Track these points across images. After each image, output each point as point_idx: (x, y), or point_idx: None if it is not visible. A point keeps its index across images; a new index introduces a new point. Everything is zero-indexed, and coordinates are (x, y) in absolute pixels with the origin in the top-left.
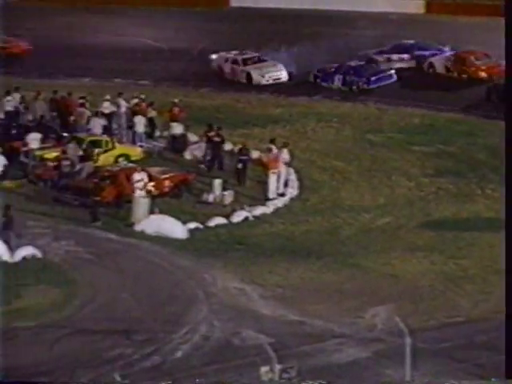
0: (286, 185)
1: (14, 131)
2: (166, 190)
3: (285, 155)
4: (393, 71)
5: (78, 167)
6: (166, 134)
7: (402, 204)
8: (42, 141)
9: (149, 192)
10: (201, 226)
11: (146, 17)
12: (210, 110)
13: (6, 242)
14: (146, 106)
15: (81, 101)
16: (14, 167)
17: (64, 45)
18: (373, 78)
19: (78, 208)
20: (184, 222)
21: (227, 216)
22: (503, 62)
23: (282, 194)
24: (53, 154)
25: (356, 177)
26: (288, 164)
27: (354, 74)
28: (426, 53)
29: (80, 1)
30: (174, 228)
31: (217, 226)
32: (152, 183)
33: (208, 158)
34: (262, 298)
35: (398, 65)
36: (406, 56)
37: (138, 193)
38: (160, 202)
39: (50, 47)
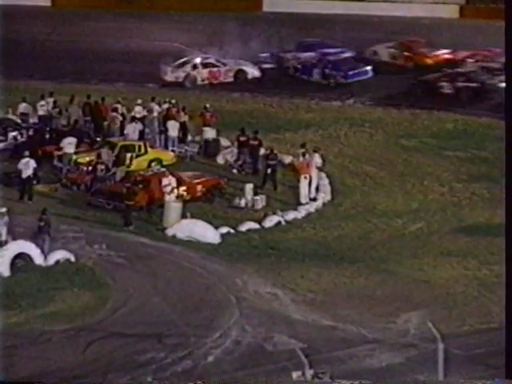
0: (317, 190)
1: (47, 136)
2: (199, 194)
3: (316, 160)
4: (369, 67)
5: (111, 172)
6: (198, 138)
7: (434, 209)
8: (76, 145)
9: (181, 196)
10: (232, 231)
11: (178, 21)
12: (241, 115)
13: (40, 246)
14: (178, 110)
15: (116, 105)
16: (48, 171)
17: (97, 49)
18: (350, 73)
19: (111, 212)
20: (216, 227)
21: (259, 221)
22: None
23: (314, 199)
24: (86, 158)
25: (388, 182)
26: (320, 169)
27: (333, 67)
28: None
29: (113, 6)
30: (206, 232)
31: (249, 231)
32: (184, 188)
33: (240, 162)
34: (294, 303)
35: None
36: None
37: (170, 197)
38: (192, 207)
39: (84, 52)
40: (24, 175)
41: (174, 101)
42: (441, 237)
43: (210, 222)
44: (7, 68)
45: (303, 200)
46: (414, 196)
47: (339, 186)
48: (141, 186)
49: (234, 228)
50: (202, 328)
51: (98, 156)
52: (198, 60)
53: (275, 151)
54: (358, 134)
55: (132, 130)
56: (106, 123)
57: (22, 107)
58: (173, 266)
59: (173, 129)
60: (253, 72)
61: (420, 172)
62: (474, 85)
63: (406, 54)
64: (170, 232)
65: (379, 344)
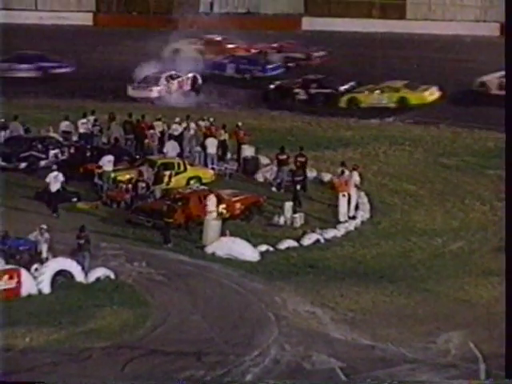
0: (357, 208)
1: (88, 153)
2: (237, 212)
3: (355, 178)
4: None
5: (150, 189)
6: (236, 156)
7: (475, 228)
8: (116, 163)
9: (220, 214)
10: (271, 249)
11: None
12: (281, 133)
13: (81, 263)
14: (216, 128)
15: (155, 123)
16: (89, 189)
17: (136, 68)
18: (268, 67)
19: (151, 230)
20: (255, 245)
21: (298, 239)
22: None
23: (353, 217)
24: (126, 176)
25: (428, 200)
26: (358, 187)
27: (248, 63)
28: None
29: (154, 25)
30: (245, 250)
31: (287, 249)
32: (223, 205)
33: (278, 180)
34: (333, 322)
35: None
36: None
37: (210, 215)
38: (231, 225)
39: (123, 70)
40: (53, 189)
41: (212, 119)
42: (482, 256)
43: (248, 240)
44: (49, 86)
45: (342, 218)
46: (454, 215)
47: (378, 204)
48: (180, 203)
49: (272, 246)
50: (240, 346)
51: (139, 174)
52: (164, 74)
53: (302, 167)
54: (397, 153)
55: (171, 148)
56: (145, 141)
57: (64, 125)
58: (212, 284)
59: (211, 146)
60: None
61: (460, 191)
62: (325, 91)
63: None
64: (209, 250)
65: (419, 364)
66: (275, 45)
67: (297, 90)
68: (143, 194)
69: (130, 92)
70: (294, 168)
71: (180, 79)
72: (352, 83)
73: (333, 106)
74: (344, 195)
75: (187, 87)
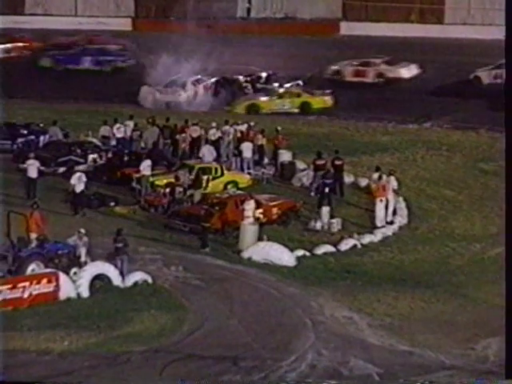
0: (394, 213)
1: (126, 158)
2: (274, 217)
3: (393, 183)
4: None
5: (188, 194)
6: (273, 161)
7: None
8: (153, 168)
9: (257, 219)
10: (308, 254)
11: (256, 45)
12: (318, 138)
13: (118, 267)
14: (255, 133)
15: (193, 127)
16: (127, 194)
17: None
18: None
19: (188, 234)
20: (292, 250)
21: (335, 244)
22: None
23: (391, 222)
24: (163, 180)
25: (467, 206)
26: (396, 192)
27: (105, 54)
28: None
29: (191, 30)
30: (282, 255)
31: (324, 254)
32: (260, 210)
33: (315, 185)
34: (371, 327)
35: None
36: None
37: (247, 220)
38: (268, 230)
39: None
40: (77, 189)
41: (252, 123)
42: None
43: (285, 245)
44: (87, 92)
45: (379, 223)
46: (492, 220)
47: (416, 209)
48: (217, 208)
49: (309, 251)
50: (277, 351)
51: (176, 178)
52: (191, 78)
53: (332, 171)
54: (435, 158)
55: (207, 153)
56: (182, 146)
57: (103, 130)
58: (249, 289)
59: (247, 151)
60: None
61: (499, 196)
62: (269, 87)
63: None
64: (246, 255)
65: (458, 370)
66: None
67: (245, 84)
68: (180, 199)
69: (158, 96)
70: (329, 172)
71: (205, 83)
72: (299, 81)
73: (231, 112)
74: (381, 200)
75: (211, 91)
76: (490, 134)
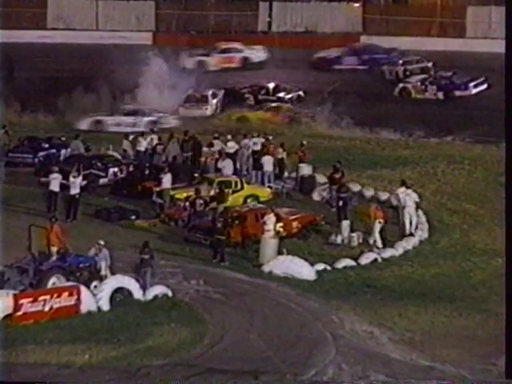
0: (415, 227)
1: (146, 172)
2: (295, 230)
3: (413, 196)
4: None
5: (208, 207)
6: (294, 174)
7: None
8: (174, 181)
9: (277, 233)
10: (329, 268)
11: (276, 59)
12: (339, 151)
13: (142, 278)
14: (275, 147)
15: (213, 141)
16: (147, 207)
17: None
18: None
19: (208, 248)
20: (312, 264)
21: (355, 258)
22: None
23: (411, 234)
24: (183, 194)
25: (488, 220)
26: (417, 205)
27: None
28: None
29: (211, 43)
30: (302, 269)
31: (345, 268)
32: (281, 224)
33: (328, 198)
34: (391, 342)
35: None
36: None
37: (267, 234)
38: (288, 243)
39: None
40: (72, 192)
41: (270, 137)
42: None
43: (306, 259)
44: (110, 105)
45: (408, 231)
46: None
47: (437, 223)
48: (237, 221)
49: (330, 265)
50: (298, 365)
51: (197, 192)
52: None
53: (346, 184)
54: (456, 172)
55: (227, 166)
56: (202, 159)
57: (125, 144)
58: (269, 303)
59: (267, 164)
60: None
61: None
62: (271, 98)
63: None
64: (266, 268)
65: None
66: None
67: (247, 95)
68: (200, 212)
69: (182, 112)
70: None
71: (219, 97)
72: (299, 92)
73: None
74: (380, 222)
75: (221, 104)
76: None
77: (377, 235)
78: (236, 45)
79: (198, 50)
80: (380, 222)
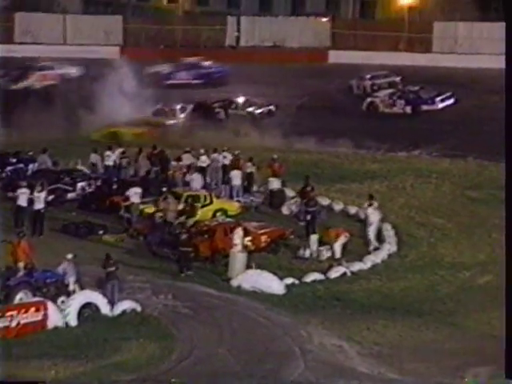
0: (383, 241)
1: (115, 186)
2: (264, 245)
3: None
4: None
5: (176, 222)
6: (262, 188)
7: (503, 262)
8: (142, 196)
9: (246, 247)
10: (297, 282)
11: (246, 73)
12: (307, 166)
13: (110, 292)
14: (244, 161)
15: (185, 155)
16: (115, 222)
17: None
18: None
19: (176, 262)
20: (281, 278)
21: (324, 272)
22: None
23: (376, 248)
24: (152, 208)
25: (455, 234)
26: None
27: None
28: None
29: (179, 57)
30: (271, 283)
31: (314, 282)
32: (249, 238)
33: (296, 212)
34: (360, 356)
35: None
36: None
37: (236, 248)
38: (257, 257)
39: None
40: (36, 207)
41: (236, 152)
42: (510, 290)
43: (274, 273)
44: (77, 119)
45: (372, 248)
46: (481, 248)
47: (405, 237)
48: (206, 236)
49: (298, 279)
50: (266, 380)
51: (164, 206)
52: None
53: (315, 198)
54: (424, 185)
55: (195, 180)
56: (170, 173)
57: (93, 157)
58: (238, 317)
59: (236, 179)
60: None
61: (487, 224)
62: (241, 113)
63: None
64: (235, 283)
65: None
66: None
67: (218, 110)
68: (168, 227)
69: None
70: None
71: (188, 111)
72: (270, 107)
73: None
74: (345, 236)
75: (189, 118)
76: (477, 161)
77: (337, 247)
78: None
79: None
80: (346, 236)
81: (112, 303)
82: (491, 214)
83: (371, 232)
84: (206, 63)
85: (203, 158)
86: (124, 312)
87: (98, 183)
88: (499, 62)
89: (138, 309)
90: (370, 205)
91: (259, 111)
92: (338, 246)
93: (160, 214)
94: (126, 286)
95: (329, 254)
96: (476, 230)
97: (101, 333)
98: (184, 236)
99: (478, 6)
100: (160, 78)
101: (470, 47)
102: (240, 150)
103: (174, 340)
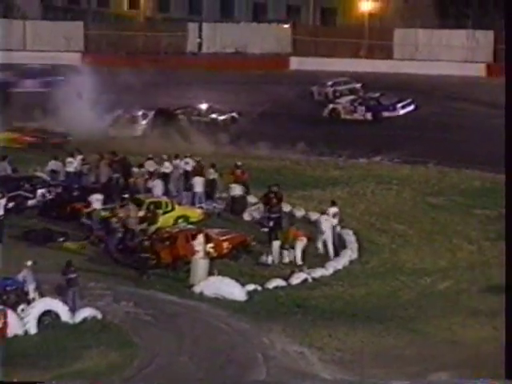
0: (344, 247)
1: (75, 193)
2: (225, 251)
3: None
4: None
5: (138, 229)
6: (225, 195)
7: (463, 268)
8: (104, 202)
9: (208, 254)
10: (259, 288)
11: (206, 80)
12: (269, 172)
13: (69, 301)
14: (207, 167)
15: (148, 162)
16: (76, 229)
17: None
18: None
19: (135, 269)
20: (243, 284)
21: (286, 278)
22: None
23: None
24: (114, 215)
25: (416, 240)
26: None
27: None
28: None
29: (139, 63)
30: (233, 290)
31: (275, 288)
32: (211, 244)
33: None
34: (321, 362)
35: None
36: None
37: (198, 254)
38: (219, 264)
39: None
40: None
41: (198, 158)
42: (469, 296)
43: (236, 280)
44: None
45: (298, 262)
46: (442, 254)
47: (366, 243)
48: (167, 242)
49: (260, 285)
50: None
51: (126, 213)
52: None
53: (278, 204)
54: (385, 192)
55: (157, 186)
56: (131, 180)
57: (52, 164)
58: (200, 324)
59: (199, 185)
60: None
61: (448, 230)
62: (204, 119)
63: None
64: (197, 289)
65: None
66: None
67: (181, 117)
68: (130, 234)
69: (111, 133)
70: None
71: (150, 118)
72: (233, 114)
73: None
74: (301, 240)
75: (151, 125)
76: (438, 168)
77: (298, 253)
78: None
79: None
80: (301, 240)
81: (72, 310)
82: (452, 220)
83: (321, 240)
84: (52, 70)
85: (167, 164)
86: (85, 319)
87: (59, 190)
88: (458, 69)
89: (99, 316)
90: (323, 212)
91: (222, 118)
92: (298, 251)
93: (115, 220)
94: (86, 293)
95: (291, 257)
96: (437, 236)
97: (61, 341)
98: (146, 242)
99: (437, 13)
100: (6, 86)
101: (429, 54)
102: (202, 157)
103: (135, 347)
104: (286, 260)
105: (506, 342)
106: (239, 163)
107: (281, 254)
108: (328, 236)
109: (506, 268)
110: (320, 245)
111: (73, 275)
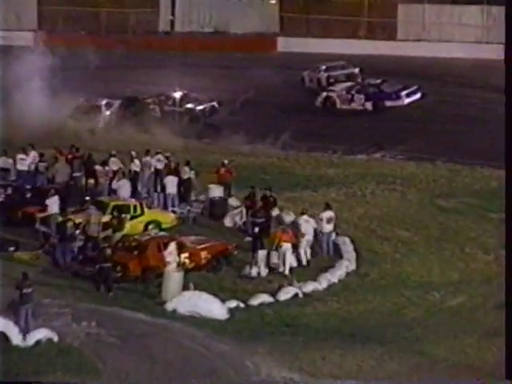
0: (341, 257)
1: (28, 195)
2: (203, 262)
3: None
4: None
5: (101, 236)
6: (202, 197)
7: (478, 281)
8: (62, 205)
9: (183, 265)
10: (242, 305)
11: (181, 64)
12: (253, 170)
13: (20, 320)
14: (181, 165)
15: (113, 159)
16: (29, 236)
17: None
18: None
19: (95, 282)
20: (223, 300)
21: (273, 293)
22: None
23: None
24: (73, 220)
25: (423, 249)
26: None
27: None
28: None
29: (106, 45)
30: (212, 307)
31: (261, 305)
32: (186, 254)
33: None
34: None
35: None
36: None
37: (171, 266)
38: (196, 277)
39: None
40: None
41: (168, 154)
42: (485, 313)
43: (216, 295)
44: None
45: (286, 271)
46: (453, 265)
47: (365, 252)
48: (136, 252)
49: (244, 302)
50: None
51: (87, 218)
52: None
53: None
54: (387, 193)
55: (123, 187)
56: (94, 180)
57: (2, 161)
58: (173, 347)
59: (171, 186)
60: None
61: (460, 237)
62: (179, 109)
63: None
64: (169, 306)
65: None
66: None
67: (152, 106)
68: (92, 242)
69: (71, 124)
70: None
71: (115, 107)
72: (213, 103)
73: None
74: (287, 243)
75: (119, 115)
76: (448, 165)
77: (286, 260)
78: None
79: None
80: (287, 242)
81: (25, 332)
82: (464, 225)
83: (303, 246)
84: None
85: (136, 161)
86: (38, 342)
87: (9, 191)
88: (472, 51)
89: (55, 338)
90: (303, 213)
91: (200, 108)
92: (287, 259)
93: (71, 224)
94: (41, 312)
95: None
96: (447, 244)
97: (11, 366)
98: (108, 251)
99: None
100: None
101: (438, 34)
102: (176, 153)
103: (98, 374)
104: (276, 261)
105: (506, 342)
106: (226, 161)
107: (268, 259)
108: (309, 240)
109: (505, 269)
110: (302, 251)
111: (28, 290)
